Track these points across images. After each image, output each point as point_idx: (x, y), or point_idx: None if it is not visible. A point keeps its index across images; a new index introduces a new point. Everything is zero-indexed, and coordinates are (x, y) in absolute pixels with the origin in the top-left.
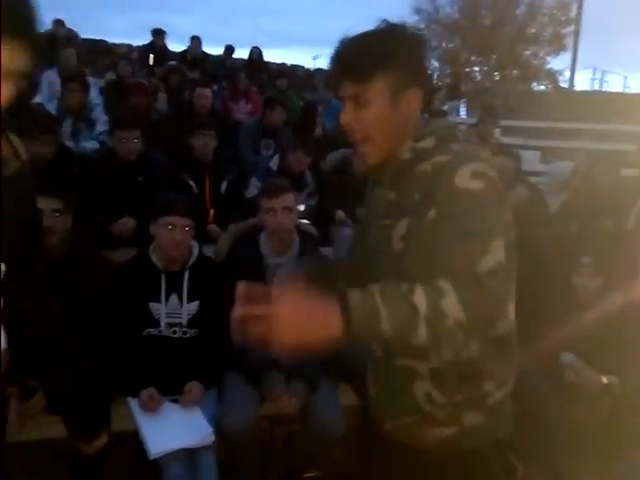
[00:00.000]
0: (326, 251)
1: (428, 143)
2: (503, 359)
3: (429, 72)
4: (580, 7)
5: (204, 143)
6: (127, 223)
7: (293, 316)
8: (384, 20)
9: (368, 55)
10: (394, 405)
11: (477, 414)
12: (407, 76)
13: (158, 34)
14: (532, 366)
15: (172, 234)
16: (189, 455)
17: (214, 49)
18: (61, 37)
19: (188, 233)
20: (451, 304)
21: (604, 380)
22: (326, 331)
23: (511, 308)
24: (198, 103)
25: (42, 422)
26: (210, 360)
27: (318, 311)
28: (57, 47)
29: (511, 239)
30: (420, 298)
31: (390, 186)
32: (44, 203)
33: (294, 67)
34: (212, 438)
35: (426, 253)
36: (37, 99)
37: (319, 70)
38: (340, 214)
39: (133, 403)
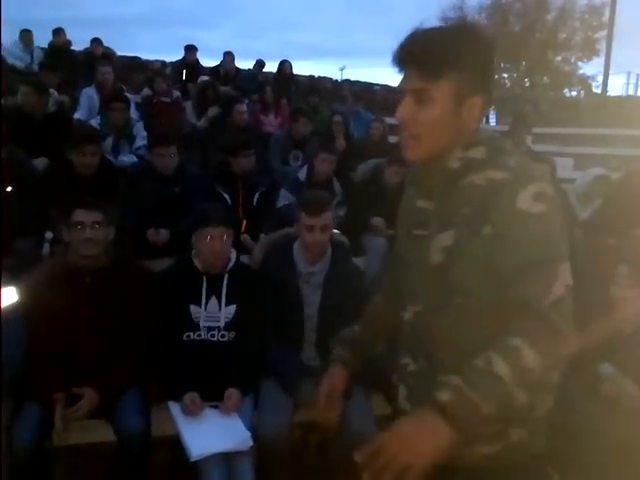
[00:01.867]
0: (358, 261)
1: (478, 153)
2: (554, 375)
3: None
4: (613, 11)
5: (244, 164)
6: (160, 232)
7: (404, 445)
8: (458, 17)
9: (441, 50)
10: None
11: (521, 429)
12: (475, 80)
13: (190, 50)
14: (570, 378)
15: (211, 245)
16: (227, 460)
17: (243, 63)
18: (99, 55)
19: (227, 242)
20: (531, 359)
21: None
22: (437, 441)
23: (573, 327)
24: (237, 118)
25: (85, 427)
26: (247, 367)
27: (422, 429)
28: (95, 65)
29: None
30: (500, 366)
31: (428, 195)
32: (85, 216)
33: (322, 79)
34: (250, 443)
35: (478, 267)
36: (77, 115)
37: (347, 81)
38: (376, 220)
39: (174, 407)
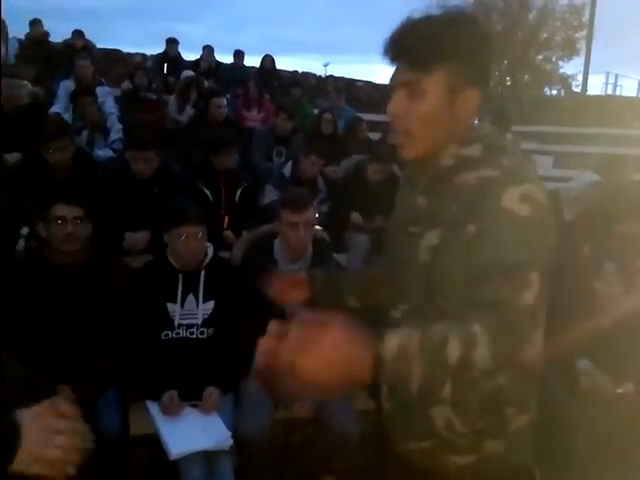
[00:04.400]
0: (340, 257)
1: (474, 151)
2: (526, 386)
3: (492, 73)
4: (593, 11)
5: (226, 161)
6: (138, 238)
7: (322, 363)
8: (453, 5)
9: (432, 41)
10: (410, 427)
11: (497, 441)
12: (470, 73)
13: (172, 43)
14: (548, 370)
15: (186, 243)
16: (207, 459)
17: (225, 57)
18: (79, 48)
19: (202, 239)
20: (480, 355)
21: (619, 390)
22: (353, 378)
23: (539, 338)
24: (214, 112)
25: None
26: (227, 366)
27: (349, 360)
28: (74, 57)
29: (549, 264)
30: (453, 349)
31: (422, 191)
32: (66, 211)
33: (305, 74)
34: (230, 442)
35: (459, 269)
36: (54, 109)
37: (330, 77)
38: (355, 216)
39: (152, 406)
